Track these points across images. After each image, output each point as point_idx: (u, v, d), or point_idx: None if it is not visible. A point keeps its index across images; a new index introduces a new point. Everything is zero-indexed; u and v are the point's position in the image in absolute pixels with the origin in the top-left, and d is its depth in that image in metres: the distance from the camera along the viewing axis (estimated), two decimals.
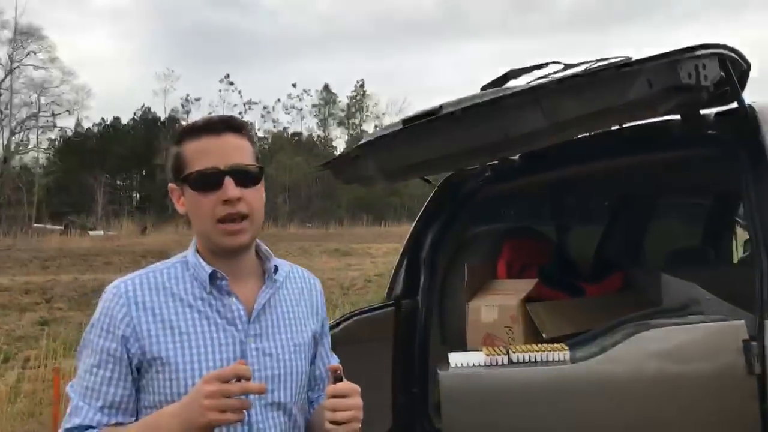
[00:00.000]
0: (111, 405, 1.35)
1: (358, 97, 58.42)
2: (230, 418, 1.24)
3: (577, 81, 1.88)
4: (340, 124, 59.24)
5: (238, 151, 1.40)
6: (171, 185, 1.45)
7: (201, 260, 1.42)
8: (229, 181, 1.36)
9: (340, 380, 1.35)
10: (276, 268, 1.50)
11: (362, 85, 58.74)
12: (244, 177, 1.39)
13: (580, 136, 2.46)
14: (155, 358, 1.35)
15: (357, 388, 1.37)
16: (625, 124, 2.36)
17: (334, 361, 1.70)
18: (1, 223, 35.40)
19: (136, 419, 1.40)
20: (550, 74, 2.05)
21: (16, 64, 44.22)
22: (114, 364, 1.35)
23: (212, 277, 1.41)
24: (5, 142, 44.49)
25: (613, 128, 2.58)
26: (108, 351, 1.35)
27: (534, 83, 2.01)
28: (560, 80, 1.92)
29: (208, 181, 1.37)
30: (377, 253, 22.35)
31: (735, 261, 4.37)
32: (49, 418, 5.06)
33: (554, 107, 1.93)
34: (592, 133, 2.52)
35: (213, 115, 1.51)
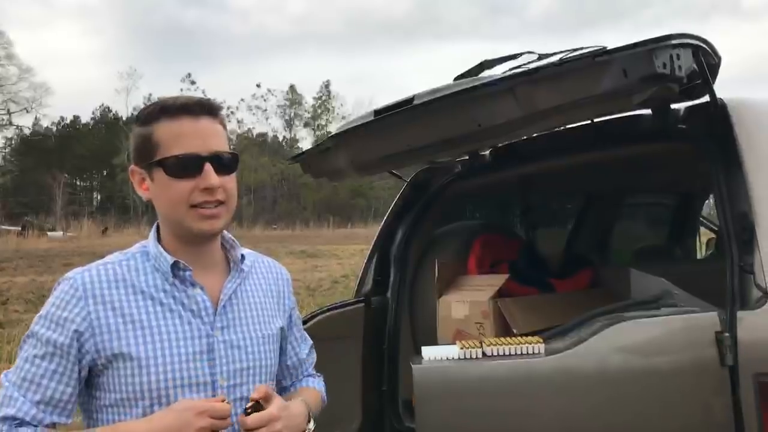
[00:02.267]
0: (49, 401, 1.26)
1: (323, 98, 58.31)
2: None
3: (552, 70, 1.86)
4: (306, 125, 59.07)
5: (216, 137, 1.35)
6: (133, 167, 1.37)
7: (162, 250, 1.36)
8: (209, 168, 1.31)
9: (257, 410, 1.31)
10: (242, 257, 1.45)
11: (327, 86, 58.68)
12: (223, 164, 1.34)
13: (553, 129, 2.46)
14: (117, 354, 1.28)
15: (269, 416, 1.31)
16: (599, 115, 2.35)
17: (306, 347, 1.67)
18: None
19: (91, 420, 1.33)
20: (524, 64, 2.03)
21: None
22: (60, 358, 1.27)
23: (174, 267, 1.35)
24: None
25: (581, 123, 2.58)
26: (55, 344, 1.27)
27: (508, 73, 1.98)
28: (535, 70, 1.90)
29: (187, 166, 1.31)
30: (343, 254, 22.29)
31: (698, 258, 4.44)
32: None
33: (529, 97, 1.91)
34: (564, 127, 2.52)
35: (183, 95, 1.43)
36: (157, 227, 1.42)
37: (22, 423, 1.24)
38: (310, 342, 1.72)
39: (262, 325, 1.45)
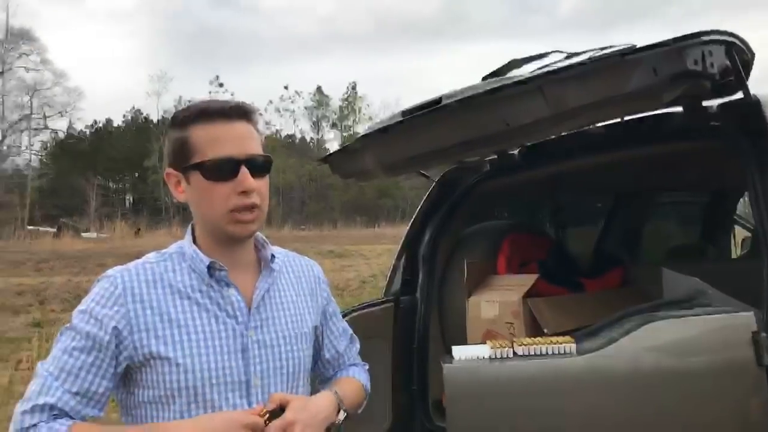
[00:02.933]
0: (85, 393, 1.28)
1: (350, 99, 58.47)
2: None
3: (581, 69, 1.84)
4: (333, 126, 59.27)
5: (250, 140, 1.37)
6: (169, 170, 1.39)
7: (198, 251, 1.39)
8: (245, 172, 1.33)
9: (277, 415, 1.31)
10: (272, 257, 1.47)
11: (354, 87, 58.82)
12: (258, 167, 1.36)
13: (582, 128, 2.44)
14: (154, 352, 1.30)
15: (285, 422, 1.31)
16: (629, 114, 2.33)
17: (346, 339, 1.69)
18: None
19: (128, 416, 1.35)
20: (553, 63, 2.01)
21: (8, 66, 43.96)
22: (98, 351, 1.29)
23: (210, 268, 1.37)
24: None
25: (612, 121, 2.55)
26: (95, 338, 1.29)
27: (536, 72, 1.98)
28: (564, 69, 1.89)
29: (224, 170, 1.32)
30: (371, 254, 22.31)
31: (734, 257, 4.35)
32: None
33: (557, 96, 1.90)
34: (594, 125, 2.50)
35: (217, 99, 1.45)
36: (192, 228, 1.44)
37: (59, 413, 1.26)
38: (350, 332, 1.72)
39: (295, 324, 1.47)
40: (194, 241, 1.42)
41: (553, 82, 1.89)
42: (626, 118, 2.50)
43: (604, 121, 2.35)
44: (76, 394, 1.27)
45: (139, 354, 1.31)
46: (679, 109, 2.36)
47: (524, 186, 3.52)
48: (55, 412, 1.25)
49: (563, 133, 2.45)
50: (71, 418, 1.26)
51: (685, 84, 1.75)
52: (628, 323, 1.81)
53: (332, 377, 1.67)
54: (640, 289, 3.06)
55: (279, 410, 1.32)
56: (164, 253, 1.42)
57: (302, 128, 59.86)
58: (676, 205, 4.63)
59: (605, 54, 1.83)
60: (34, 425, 1.23)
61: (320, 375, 1.69)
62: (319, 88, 58.68)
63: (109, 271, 1.37)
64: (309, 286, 1.57)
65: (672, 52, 1.68)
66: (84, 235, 33.33)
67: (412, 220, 3.34)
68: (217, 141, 1.33)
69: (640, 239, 4.23)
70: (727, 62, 1.78)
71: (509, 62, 2.25)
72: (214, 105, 1.36)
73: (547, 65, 2.02)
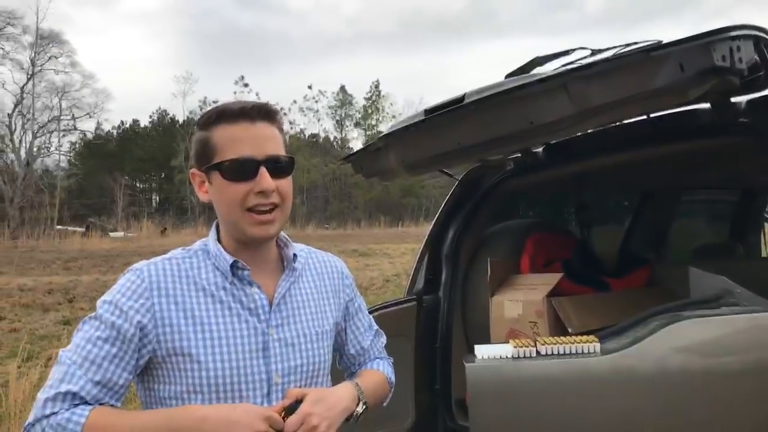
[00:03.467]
0: (106, 383, 1.29)
1: (373, 98, 58.50)
2: None
3: (606, 66, 1.82)
4: (357, 125, 59.36)
5: (271, 141, 1.37)
6: (194, 171, 1.42)
7: (222, 249, 1.40)
8: (264, 172, 1.34)
9: (294, 410, 1.32)
10: (294, 256, 1.48)
11: (377, 86, 58.84)
12: (278, 167, 1.36)
13: (606, 125, 2.42)
14: (176, 348, 1.32)
15: (302, 414, 1.31)
16: (654, 111, 2.30)
17: (371, 334, 1.68)
18: (25, 225, 35.86)
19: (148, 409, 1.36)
20: (577, 60, 2.00)
21: (38, 68, 44.76)
22: (122, 343, 1.30)
23: (233, 266, 1.38)
24: (28, 146, 45.07)
25: (638, 118, 2.52)
26: (119, 329, 1.30)
27: (560, 69, 1.96)
28: (588, 66, 1.87)
29: (243, 170, 1.33)
30: (395, 253, 22.32)
31: (764, 256, 4.27)
32: None
33: (582, 94, 1.88)
34: (619, 122, 2.47)
35: (242, 100, 1.46)
36: (217, 226, 1.46)
37: (80, 401, 1.26)
38: (375, 327, 1.72)
39: (316, 322, 1.47)
40: (218, 239, 1.44)
41: (578, 79, 1.88)
42: (652, 115, 2.47)
43: (629, 118, 2.32)
44: (98, 383, 1.28)
45: (162, 349, 1.32)
46: (707, 105, 2.32)
47: (548, 184, 3.50)
48: (77, 401, 1.26)
49: (588, 131, 2.42)
50: (91, 405, 1.27)
51: (712, 80, 1.72)
52: (654, 323, 1.79)
53: (357, 372, 1.67)
54: (667, 288, 3.02)
55: (296, 404, 1.33)
56: (190, 249, 1.44)
57: (326, 127, 60.12)
58: (704, 204, 4.56)
59: (630, 50, 1.80)
60: (55, 412, 1.24)
61: (346, 370, 1.70)
62: (342, 88, 58.84)
63: (136, 264, 1.38)
64: (332, 283, 1.57)
65: (699, 47, 1.65)
66: (111, 234, 33.84)
67: (435, 218, 3.33)
68: (237, 141, 1.34)
69: (666, 238, 4.17)
70: (756, 57, 1.75)
71: (533, 60, 2.23)
72: (236, 106, 1.37)
73: (571, 62, 2.01)
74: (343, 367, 1.70)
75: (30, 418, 1.26)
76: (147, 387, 1.37)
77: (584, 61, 1.93)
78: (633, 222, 4.15)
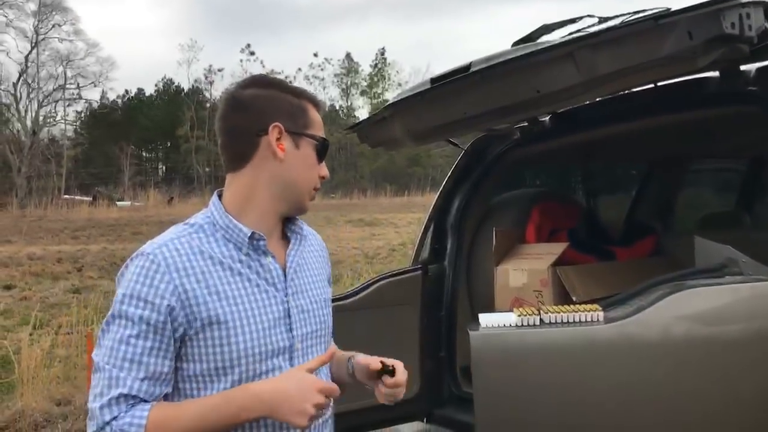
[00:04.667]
0: (152, 375, 1.27)
1: (379, 66, 58.00)
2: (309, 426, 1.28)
3: (613, 34, 1.81)
4: (363, 93, 58.97)
5: None
6: (279, 125, 1.38)
7: (234, 221, 1.38)
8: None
9: (391, 373, 1.43)
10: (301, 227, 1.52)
11: (383, 54, 58.29)
12: None
13: (614, 94, 2.40)
14: (206, 323, 1.30)
15: (403, 370, 1.45)
16: (662, 79, 2.28)
17: None
18: (32, 194, 36.09)
19: (175, 390, 1.34)
20: (584, 28, 1.98)
21: (42, 37, 44.50)
22: (155, 334, 1.27)
23: (250, 238, 1.38)
24: (33, 115, 45.05)
25: (645, 86, 2.50)
26: (149, 321, 1.27)
27: (568, 38, 1.94)
28: (595, 34, 1.85)
29: (325, 153, 1.46)
30: (401, 223, 22.37)
31: None
32: (84, 381, 5.19)
33: (589, 62, 1.86)
34: (626, 91, 2.45)
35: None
36: (219, 196, 1.44)
37: (135, 400, 1.26)
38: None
39: (320, 289, 1.51)
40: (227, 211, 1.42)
41: (585, 47, 1.86)
42: (660, 83, 2.44)
43: (637, 87, 2.30)
44: (145, 379, 1.27)
45: (192, 327, 1.30)
46: (716, 73, 2.30)
47: (555, 153, 3.48)
48: (131, 401, 1.25)
49: (595, 100, 2.41)
50: (146, 401, 1.27)
51: (721, 48, 1.70)
52: (657, 291, 1.80)
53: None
54: (673, 257, 3.03)
55: (392, 368, 1.44)
56: (193, 224, 1.40)
57: (331, 96, 59.60)
58: (711, 173, 4.53)
59: (638, 18, 1.79)
60: (116, 417, 1.23)
61: None
62: (348, 55, 58.35)
63: (146, 248, 1.33)
64: (320, 253, 1.61)
65: (708, 15, 1.63)
66: (118, 203, 33.97)
67: (441, 188, 3.34)
68: (322, 127, 1.46)
69: (673, 207, 4.16)
70: (766, 25, 1.73)
71: (540, 28, 2.21)
72: (314, 95, 1.48)
73: (578, 30, 1.99)
74: None
75: (92, 428, 1.25)
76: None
77: (591, 30, 1.91)
78: (639, 191, 4.14)
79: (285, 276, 1.43)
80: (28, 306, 9.04)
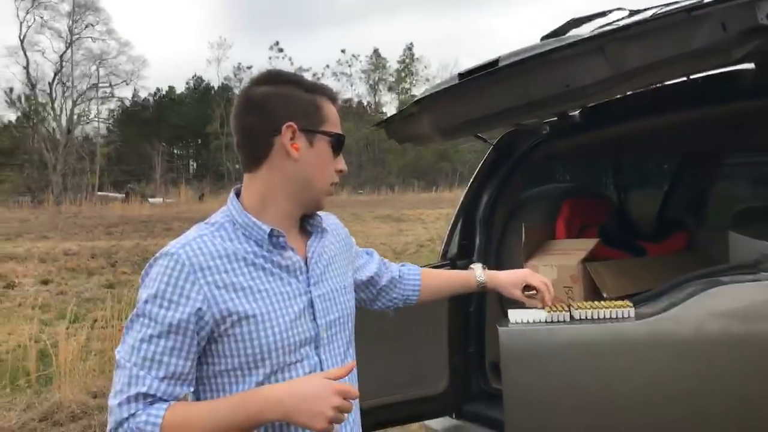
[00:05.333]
0: (172, 375, 1.29)
1: (407, 61, 57.84)
2: (331, 429, 1.28)
3: (645, 27, 1.78)
4: (390, 89, 58.91)
5: None
6: (292, 124, 1.39)
7: (253, 219, 1.40)
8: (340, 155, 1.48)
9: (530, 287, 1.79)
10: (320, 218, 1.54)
11: (410, 49, 58.16)
12: None
13: (645, 88, 2.36)
14: (235, 320, 1.32)
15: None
16: (695, 72, 2.24)
17: (370, 260, 1.83)
18: (67, 191, 36.86)
19: (201, 386, 1.37)
20: (614, 22, 1.95)
21: (76, 36, 45.38)
22: (176, 335, 1.28)
23: (270, 235, 1.39)
24: (68, 113, 45.97)
25: (679, 79, 2.46)
26: (172, 322, 1.28)
27: (597, 31, 1.92)
28: (625, 27, 1.83)
29: (341, 148, 1.46)
30: (429, 218, 22.33)
31: None
32: None
33: (619, 56, 1.84)
34: (658, 84, 2.41)
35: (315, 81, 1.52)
36: (237, 195, 1.45)
37: (153, 399, 1.28)
38: (365, 251, 1.84)
39: (341, 277, 1.54)
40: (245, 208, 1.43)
41: (615, 41, 1.83)
42: (693, 76, 2.40)
43: (668, 80, 2.26)
44: (164, 378, 1.28)
45: (220, 326, 1.32)
46: (750, 66, 2.25)
47: (585, 148, 3.44)
48: (149, 399, 1.27)
49: (626, 94, 2.38)
50: (165, 400, 1.28)
51: (756, 39, 1.66)
52: (690, 288, 1.77)
53: (387, 284, 1.84)
54: (706, 253, 2.98)
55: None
56: (213, 223, 1.41)
57: (359, 92, 59.99)
58: (746, 167, 4.43)
59: (670, 10, 1.75)
60: (133, 414, 1.25)
61: (382, 299, 1.85)
62: (375, 51, 58.35)
63: (170, 248, 1.34)
64: (340, 239, 1.63)
65: (742, 5, 1.60)
66: (150, 200, 34.50)
67: (469, 183, 3.32)
68: (337, 121, 1.47)
69: (706, 202, 4.08)
70: None
71: (568, 21, 2.19)
72: (329, 88, 1.48)
73: (608, 24, 1.96)
74: (382, 302, 1.85)
75: (111, 424, 1.27)
76: (200, 363, 1.36)
77: (622, 23, 1.88)
78: (671, 186, 4.07)
79: (306, 267, 1.44)
80: (65, 300, 9.26)
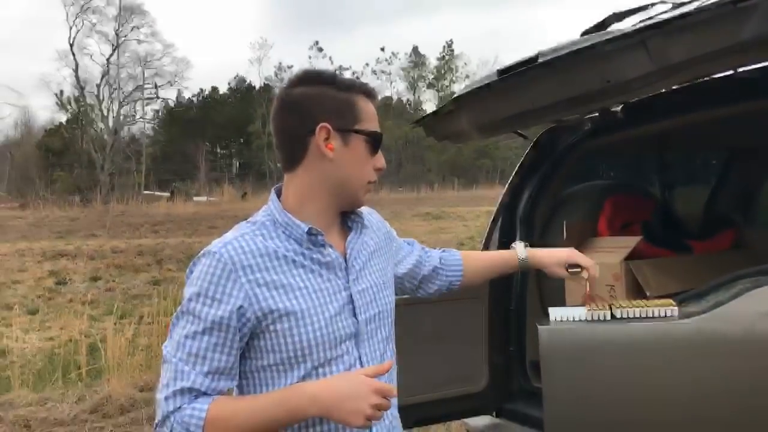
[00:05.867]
0: (216, 370, 1.32)
1: (446, 59, 57.56)
2: (368, 426, 1.30)
3: (688, 20, 1.74)
4: (430, 86, 58.69)
5: None
6: (326, 125, 1.39)
7: (292, 218, 1.42)
8: (379, 151, 1.47)
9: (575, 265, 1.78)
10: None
11: (450, 46, 57.85)
12: None
13: (689, 82, 2.31)
14: (277, 316, 1.34)
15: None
16: (742, 66, 2.18)
17: (413, 251, 1.83)
18: (114, 190, 37.87)
19: (243, 380, 1.40)
20: (657, 15, 1.92)
21: (122, 39, 46.55)
22: (219, 331, 1.32)
23: (308, 233, 1.41)
24: (115, 115, 47.23)
25: (725, 73, 2.40)
26: (215, 319, 1.31)
27: (639, 25, 1.89)
28: (668, 21, 1.79)
29: (378, 145, 1.45)
30: (469, 216, 22.20)
31: None
32: None
33: (662, 50, 1.81)
34: (703, 78, 2.36)
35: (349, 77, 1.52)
36: (277, 194, 1.48)
37: (198, 393, 1.31)
38: (406, 242, 1.83)
39: (381, 272, 1.54)
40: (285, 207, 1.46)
41: (657, 35, 1.80)
42: (740, 69, 2.34)
43: (713, 74, 2.21)
44: (208, 373, 1.32)
45: (261, 323, 1.34)
46: None
47: (628, 144, 3.39)
48: (194, 394, 1.31)
49: (670, 88, 2.33)
50: (209, 395, 1.32)
51: None
52: (737, 286, 1.73)
53: (430, 272, 1.83)
54: (754, 252, 2.90)
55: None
56: (255, 222, 1.44)
57: (398, 90, 59.60)
58: None
59: (715, 2, 1.71)
60: (179, 408, 1.30)
61: (429, 287, 1.85)
62: (415, 48, 58.18)
63: (213, 247, 1.37)
64: (380, 234, 1.63)
65: None
66: (195, 199, 35.18)
67: (510, 180, 3.30)
68: (373, 117, 1.45)
69: (755, 199, 3.96)
70: None
71: (610, 15, 2.16)
72: (366, 84, 1.47)
73: (650, 17, 1.93)
74: (426, 289, 1.85)
75: (158, 417, 1.32)
76: (243, 357, 1.39)
77: (664, 16, 1.84)
78: (719, 182, 3.97)
79: (346, 263, 1.46)
80: (113, 297, 9.54)
